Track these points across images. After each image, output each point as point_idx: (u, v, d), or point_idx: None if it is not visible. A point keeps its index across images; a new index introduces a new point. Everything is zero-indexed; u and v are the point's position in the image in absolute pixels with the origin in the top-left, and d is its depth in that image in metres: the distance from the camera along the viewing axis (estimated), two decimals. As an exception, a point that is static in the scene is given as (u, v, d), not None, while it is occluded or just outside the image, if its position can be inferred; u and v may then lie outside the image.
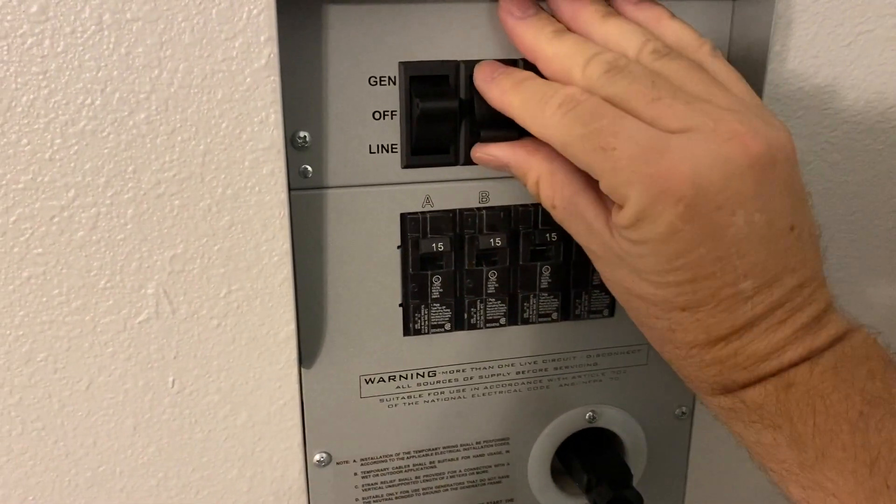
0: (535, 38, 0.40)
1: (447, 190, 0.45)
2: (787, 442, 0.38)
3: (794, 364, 0.38)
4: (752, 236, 0.36)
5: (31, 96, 0.36)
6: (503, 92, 0.41)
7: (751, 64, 0.46)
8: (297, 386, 0.45)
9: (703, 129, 0.35)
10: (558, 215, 0.41)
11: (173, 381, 0.43)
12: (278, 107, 0.39)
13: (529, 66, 0.42)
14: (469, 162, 0.45)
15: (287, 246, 0.42)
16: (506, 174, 0.45)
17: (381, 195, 0.45)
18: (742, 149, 0.35)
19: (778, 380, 0.38)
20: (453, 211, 0.46)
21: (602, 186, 0.37)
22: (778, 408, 0.38)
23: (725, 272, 0.36)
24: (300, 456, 0.47)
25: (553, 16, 0.41)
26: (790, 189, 0.37)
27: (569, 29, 0.41)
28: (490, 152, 0.43)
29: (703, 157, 0.35)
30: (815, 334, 0.38)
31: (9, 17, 0.35)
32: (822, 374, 0.38)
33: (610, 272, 0.40)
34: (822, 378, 0.38)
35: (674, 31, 0.41)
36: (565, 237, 0.47)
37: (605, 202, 0.39)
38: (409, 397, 0.49)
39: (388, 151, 0.44)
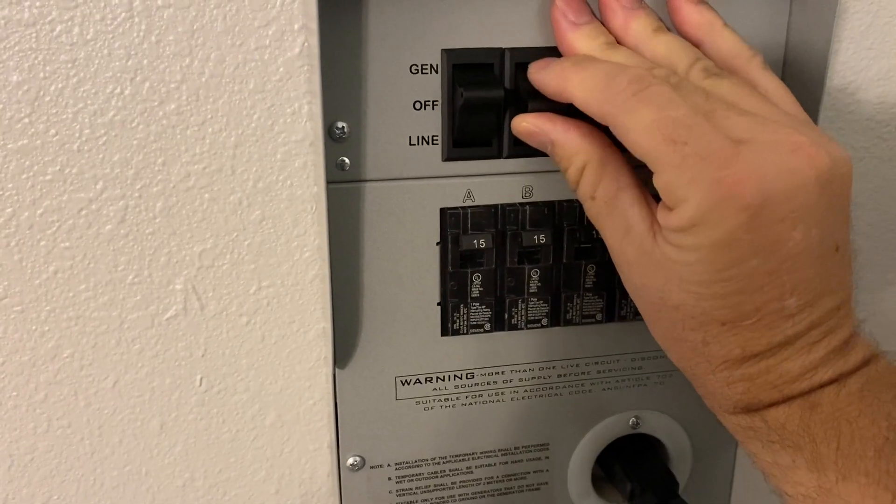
0: (586, 48, 0.40)
1: (489, 184, 0.45)
2: (807, 464, 0.38)
3: (822, 385, 0.38)
4: (806, 252, 0.35)
5: (60, 85, 0.36)
6: (562, 70, 0.39)
7: (809, 61, 0.45)
8: (326, 385, 0.45)
9: (764, 140, 0.35)
10: (596, 208, 0.40)
11: (201, 379, 0.43)
12: (312, 98, 0.38)
13: None
14: (512, 155, 0.44)
15: (319, 242, 0.41)
16: (551, 167, 0.44)
17: (421, 189, 0.44)
18: (808, 160, 0.34)
19: (803, 400, 0.38)
20: (495, 206, 0.45)
21: (657, 180, 0.36)
22: (801, 428, 0.38)
23: (774, 287, 0.36)
24: (329, 457, 0.47)
25: (605, 25, 0.41)
26: (843, 207, 0.37)
27: (619, 42, 0.41)
28: (537, 123, 0.41)
29: (770, 167, 0.34)
30: (845, 358, 0.38)
31: (38, 4, 0.35)
32: (849, 396, 0.37)
33: (642, 279, 0.39)
34: (848, 401, 0.37)
35: (725, 40, 0.41)
36: (612, 236, 0.46)
37: (651, 205, 0.38)
38: (445, 400, 0.49)
39: (428, 143, 0.43)
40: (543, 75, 0.40)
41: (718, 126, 0.35)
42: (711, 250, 0.35)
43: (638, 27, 0.40)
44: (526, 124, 0.42)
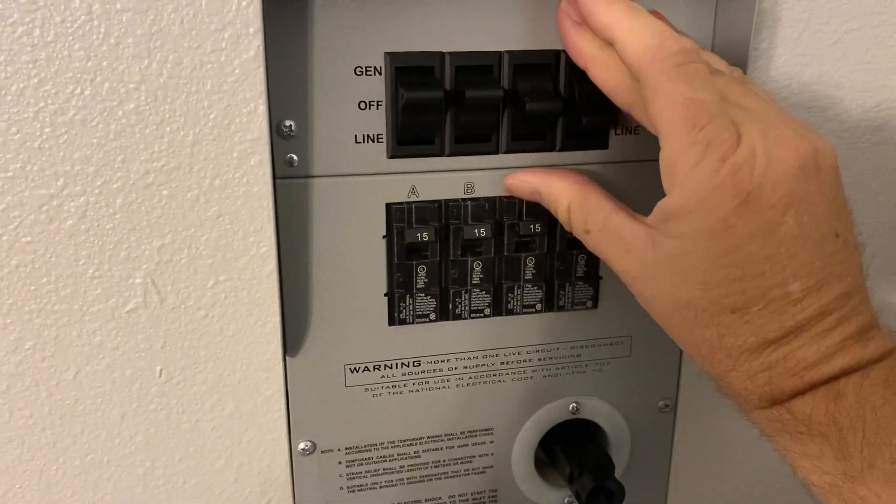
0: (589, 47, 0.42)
1: (432, 180, 0.46)
2: (834, 453, 0.38)
3: (844, 374, 0.39)
4: (802, 236, 0.37)
5: (21, 85, 0.37)
6: (614, 10, 0.39)
7: (733, 62, 0.46)
8: (284, 377, 0.46)
9: (754, 130, 0.37)
10: (592, 240, 0.42)
11: (161, 370, 0.44)
12: (260, 96, 0.40)
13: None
14: (454, 153, 0.46)
15: (275, 237, 0.43)
16: (491, 165, 0.46)
17: (367, 185, 0.45)
18: (792, 151, 0.37)
19: (828, 389, 0.39)
20: (438, 201, 0.46)
21: (664, 153, 0.38)
22: (827, 417, 0.38)
23: (775, 272, 0.37)
24: (287, 447, 0.48)
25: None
26: (834, 196, 0.38)
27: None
28: (523, 178, 0.45)
29: (760, 156, 0.36)
30: (863, 346, 0.39)
31: (-1, 6, 0.36)
32: (873, 386, 0.38)
33: (651, 289, 0.41)
34: (872, 391, 0.38)
35: (705, 58, 0.41)
36: (550, 228, 0.48)
37: (638, 217, 0.41)
38: (393, 387, 0.50)
39: (373, 141, 0.45)
40: (595, 3, 0.40)
41: (730, 116, 0.37)
42: (707, 237, 0.37)
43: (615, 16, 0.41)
44: (512, 181, 0.46)
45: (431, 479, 0.53)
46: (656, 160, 0.39)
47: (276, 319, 0.45)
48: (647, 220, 0.40)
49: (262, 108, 0.40)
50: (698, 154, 0.36)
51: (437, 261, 0.47)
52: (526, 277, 0.49)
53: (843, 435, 0.38)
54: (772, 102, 0.41)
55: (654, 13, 0.42)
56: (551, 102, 0.45)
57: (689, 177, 0.37)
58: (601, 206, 0.42)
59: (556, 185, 0.44)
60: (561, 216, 0.44)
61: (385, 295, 0.48)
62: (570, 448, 0.55)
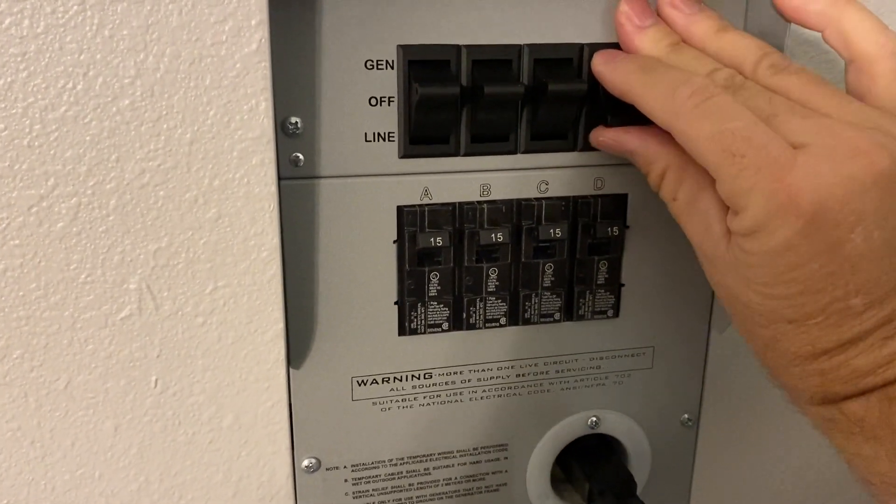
0: (652, 51, 0.42)
1: (447, 182, 0.46)
2: (888, 455, 0.39)
3: None
4: (868, 253, 0.36)
5: (9, 79, 0.36)
6: (627, 73, 0.42)
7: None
8: (285, 387, 0.45)
9: (823, 144, 0.36)
10: (677, 209, 0.42)
11: (156, 380, 0.43)
12: (269, 94, 0.39)
13: None
14: (470, 153, 0.45)
15: (277, 241, 0.42)
16: (508, 166, 0.46)
17: (377, 186, 0.45)
18: (867, 165, 0.35)
19: (881, 393, 0.38)
20: (453, 204, 0.46)
21: (719, 189, 0.38)
22: (881, 421, 0.38)
23: (837, 287, 0.37)
24: (288, 460, 0.47)
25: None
26: None
27: (684, 41, 0.43)
28: (616, 137, 0.45)
29: (826, 173, 0.35)
30: None
31: (-14, -4, 0.35)
32: None
33: (719, 276, 0.41)
34: None
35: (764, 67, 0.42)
36: (570, 233, 0.47)
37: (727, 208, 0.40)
38: (403, 400, 0.50)
39: (384, 140, 0.44)
40: (608, 72, 0.43)
41: (779, 131, 0.37)
42: (771, 255, 0.37)
43: (699, 31, 0.42)
44: (603, 139, 0.45)
45: (442, 498, 0.53)
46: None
47: (278, 327, 0.44)
48: (727, 220, 0.39)
49: (265, 105, 0.39)
50: (750, 179, 0.36)
51: (451, 267, 0.47)
52: (544, 285, 0.49)
53: None
54: (847, 100, 0.39)
55: None
56: (574, 100, 0.44)
57: (747, 202, 0.36)
58: (697, 179, 0.41)
59: (653, 149, 0.43)
60: (653, 178, 0.43)
61: (395, 303, 0.47)
62: (589, 465, 0.54)
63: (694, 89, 0.38)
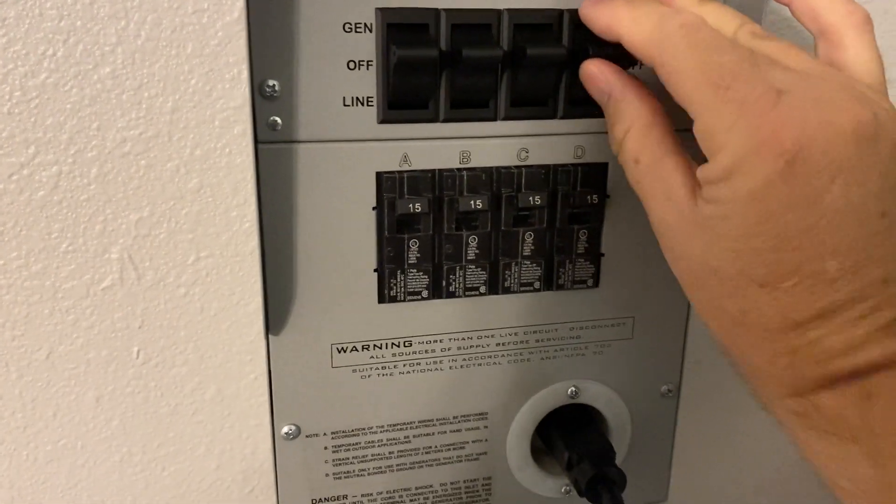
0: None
1: (426, 148, 0.46)
2: (866, 458, 0.38)
3: (875, 369, 0.37)
4: (845, 210, 0.36)
5: (-11, 46, 0.37)
6: (614, 8, 0.41)
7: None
8: (267, 359, 0.46)
9: (805, 92, 0.36)
10: (638, 173, 0.42)
11: (138, 351, 0.44)
12: (240, 52, 0.39)
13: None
14: (449, 119, 0.45)
15: (255, 208, 0.42)
16: (488, 133, 0.46)
17: (356, 151, 0.45)
18: (849, 115, 0.35)
19: (858, 388, 0.37)
20: (432, 171, 0.46)
21: (697, 126, 0.37)
22: (860, 420, 0.37)
23: (813, 245, 0.36)
24: (271, 433, 0.48)
25: None
26: (889, 171, 0.37)
27: None
28: (603, 70, 0.44)
29: (810, 118, 0.35)
30: None
31: (-36, -38, 0.35)
32: None
33: (682, 246, 0.40)
34: None
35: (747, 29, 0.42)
36: (550, 202, 0.48)
37: (693, 170, 0.40)
38: (383, 368, 0.50)
39: (363, 105, 0.44)
40: (594, 10, 0.42)
41: (762, 74, 0.37)
42: (747, 201, 0.36)
43: (682, 1, 0.42)
44: (593, 67, 0.44)
45: (422, 466, 0.53)
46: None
47: (260, 299, 0.44)
48: (697, 173, 0.39)
49: (246, 73, 0.39)
50: (733, 114, 0.36)
51: (430, 234, 0.47)
52: (524, 253, 0.49)
53: (876, 440, 0.37)
54: (833, 70, 0.40)
55: None
56: (554, 65, 0.45)
57: (727, 139, 0.36)
58: (662, 142, 0.41)
59: (629, 99, 0.43)
60: (615, 134, 0.43)
61: (375, 270, 0.48)
62: (569, 434, 0.55)
63: (683, 21, 0.38)
